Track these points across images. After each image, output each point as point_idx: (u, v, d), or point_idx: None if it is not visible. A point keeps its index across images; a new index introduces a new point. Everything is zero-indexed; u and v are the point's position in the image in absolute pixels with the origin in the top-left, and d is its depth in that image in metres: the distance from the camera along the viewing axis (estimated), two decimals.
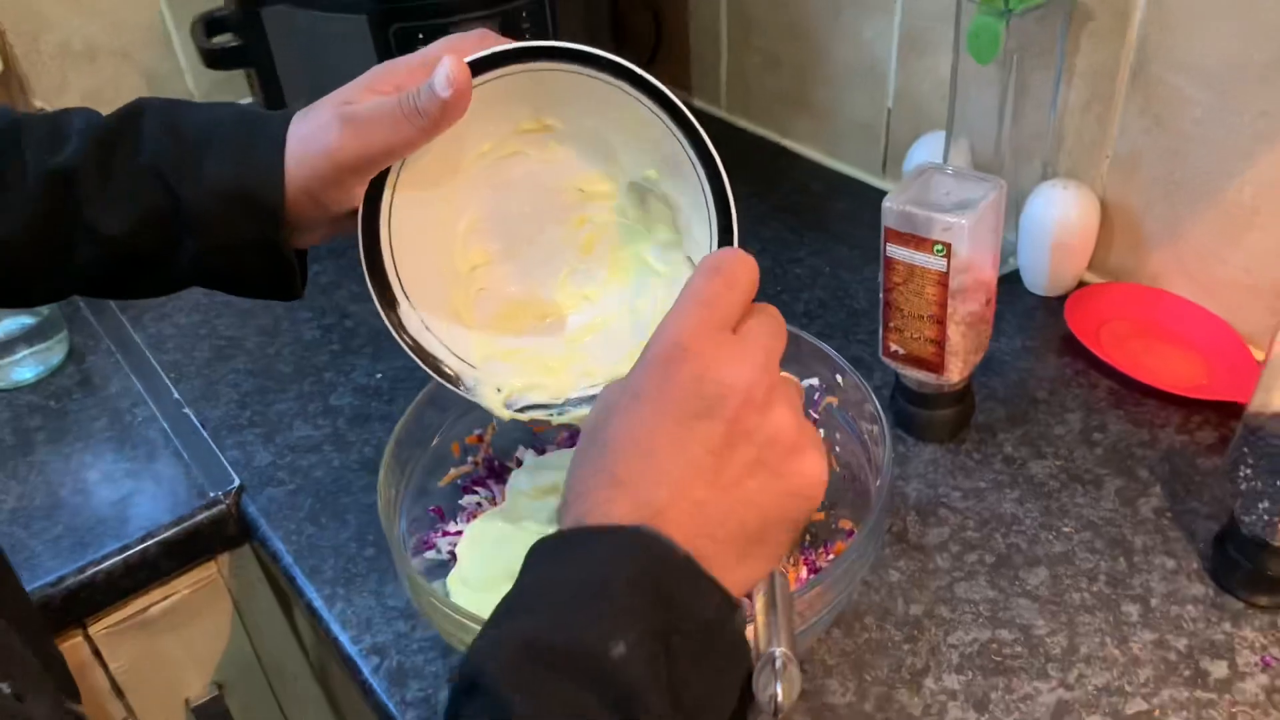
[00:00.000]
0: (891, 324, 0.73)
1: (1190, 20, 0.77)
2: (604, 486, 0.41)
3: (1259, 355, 0.80)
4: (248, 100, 1.20)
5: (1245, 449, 0.62)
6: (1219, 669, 0.61)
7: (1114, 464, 0.75)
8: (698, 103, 1.24)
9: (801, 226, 1.03)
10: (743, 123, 1.19)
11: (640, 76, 0.54)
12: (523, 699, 0.36)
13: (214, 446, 0.83)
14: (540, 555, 0.41)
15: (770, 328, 0.45)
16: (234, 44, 1.03)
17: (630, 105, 0.55)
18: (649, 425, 0.42)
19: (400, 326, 0.58)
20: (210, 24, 1.06)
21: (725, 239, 0.58)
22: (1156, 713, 0.59)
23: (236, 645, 0.87)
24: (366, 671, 0.66)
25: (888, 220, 0.69)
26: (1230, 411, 0.77)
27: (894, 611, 0.66)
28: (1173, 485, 0.73)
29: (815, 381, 0.68)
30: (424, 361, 0.59)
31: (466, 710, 0.38)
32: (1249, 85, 0.75)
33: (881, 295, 0.72)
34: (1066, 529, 0.70)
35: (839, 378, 0.66)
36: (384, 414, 0.85)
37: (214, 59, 1.04)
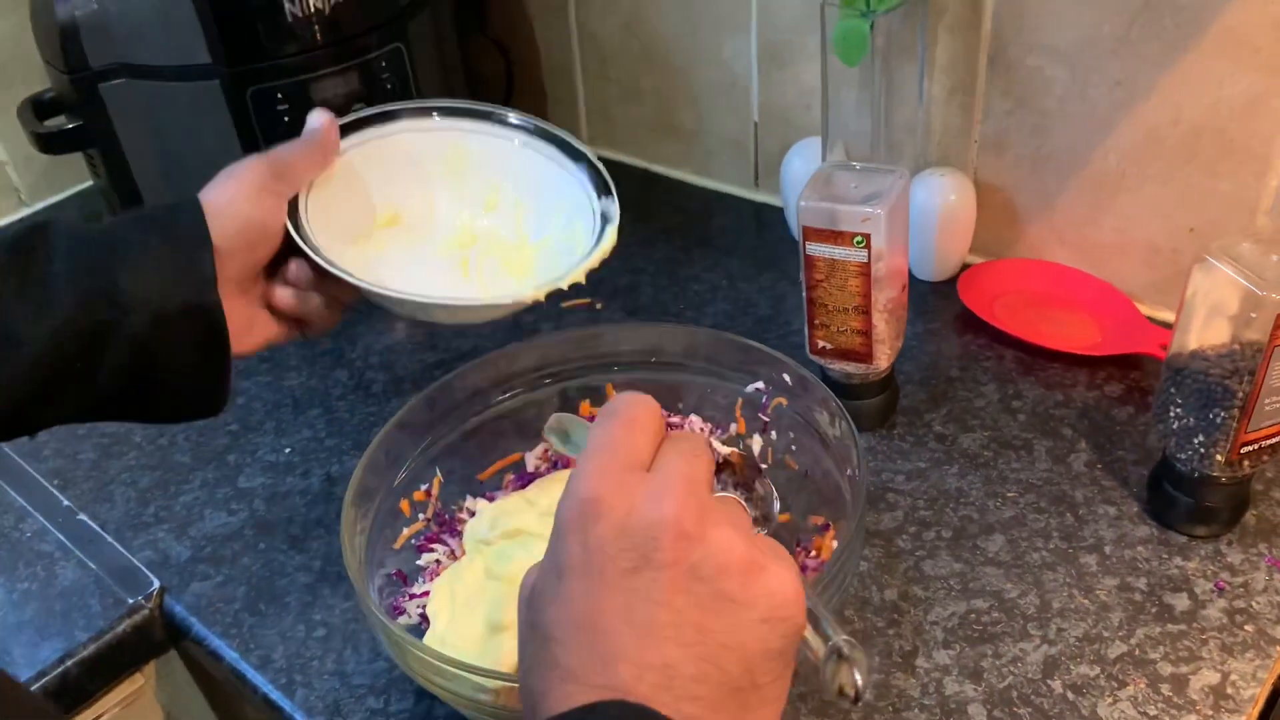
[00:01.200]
0: (817, 321, 0.74)
1: (1040, 3, 0.82)
2: (558, 682, 0.36)
3: (1144, 310, 0.85)
4: (88, 183, 1.13)
5: (1172, 389, 0.65)
6: (1181, 601, 0.64)
7: (1038, 427, 0.78)
8: None
9: (688, 245, 1.04)
10: (607, 153, 1.20)
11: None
12: None
13: (121, 549, 0.77)
14: None
15: (684, 451, 0.40)
16: (70, 125, 0.97)
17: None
18: (584, 599, 0.37)
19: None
20: (39, 105, 1.00)
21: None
22: (1137, 651, 0.62)
23: None
24: None
25: (805, 219, 0.70)
26: (1129, 363, 0.82)
27: (871, 599, 0.67)
28: (1096, 438, 0.76)
29: (761, 385, 0.69)
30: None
31: None
32: (1101, 58, 0.80)
33: (805, 294, 0.74)
34: (1010, 494, 0.73)
35: (786, 376, 0.67)
36: (301, 488, 0.81)
37: (49, 143, 0.98)
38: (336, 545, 0.74)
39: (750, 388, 0.69)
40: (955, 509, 0.72)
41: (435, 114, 0.72)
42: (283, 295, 0.62)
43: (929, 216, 0.90)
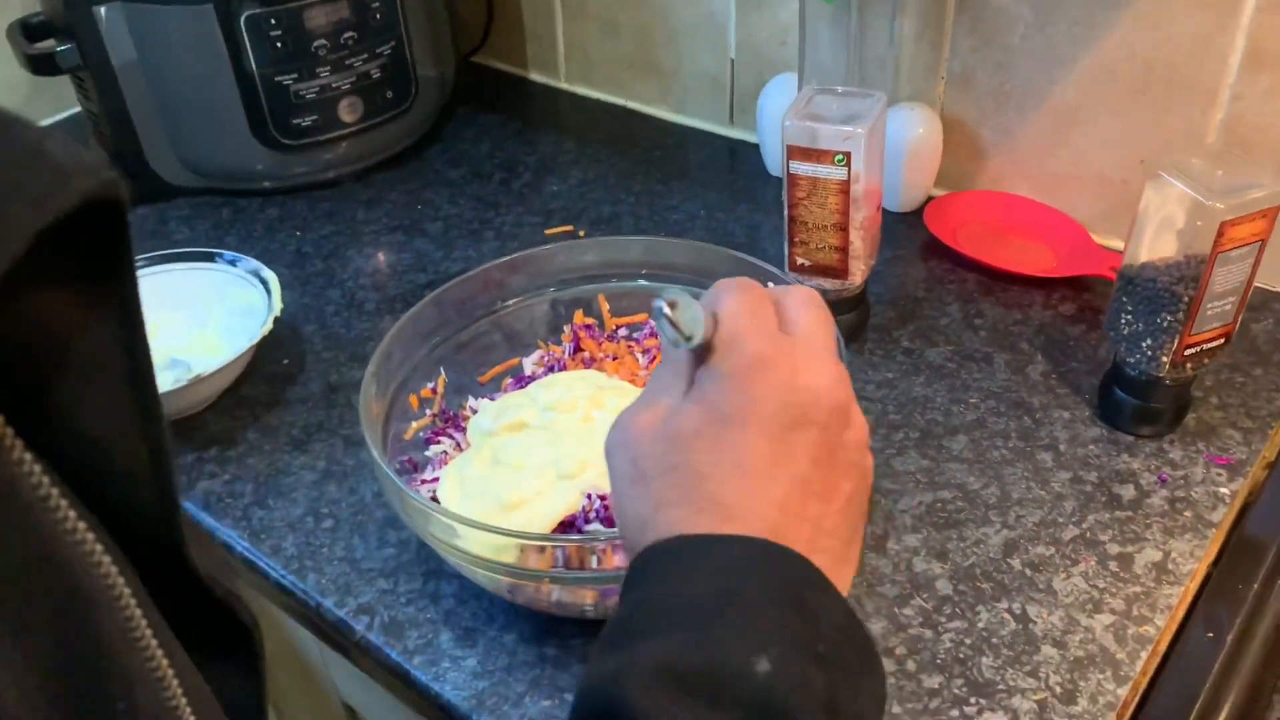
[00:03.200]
0: (797, 238, 0.79)
1: None
2: (705, 511, 0.39)
3: (1096, 238, 0.91)
4: (74, 109, 1.14)
5: (1124, 298, 0.71)
6: (1128, 491, 0.71)
7: (997, 342, 0.84)
8: (535, 76, 1.27)
9: (666, 178, 1.08)
10: (584, 90, 1.23)
11: None
12: None
13: None
14: (651, 566, 0.39)
15: (818, 315, 0.43)
16: (61, 48, 0.99)
17: None
18: (746, 447, 0.39)
19: None
20: (29, 28, 1.01)
21: None
22: (1088, 534, 0.68)
23: None
24: (360, 630, 0.66)
25: (789, 137, 0.75)
26: (1082, 285, 0.88)
27: None
28: (1051, 352, 0.82)
29: None
30: None
31: None
32: None
33: (786, 212, 0.78)
34: (973, 400, 0.79)
35: (770, 285, 0.71)
36: (302, 395, 0.84)
37: (41, 64, 0.99)
38: (340, 447, 0.78)
39: None
40: (922, 413, 0.78)
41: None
42: None
43: (898, 149, 0.95)
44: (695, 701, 0.33)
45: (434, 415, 0.72)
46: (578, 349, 0.75)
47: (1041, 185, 0.94)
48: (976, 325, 0.86)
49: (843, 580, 0.41)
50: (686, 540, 0.38)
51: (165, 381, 0.82)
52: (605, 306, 0.77)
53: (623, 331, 0.78)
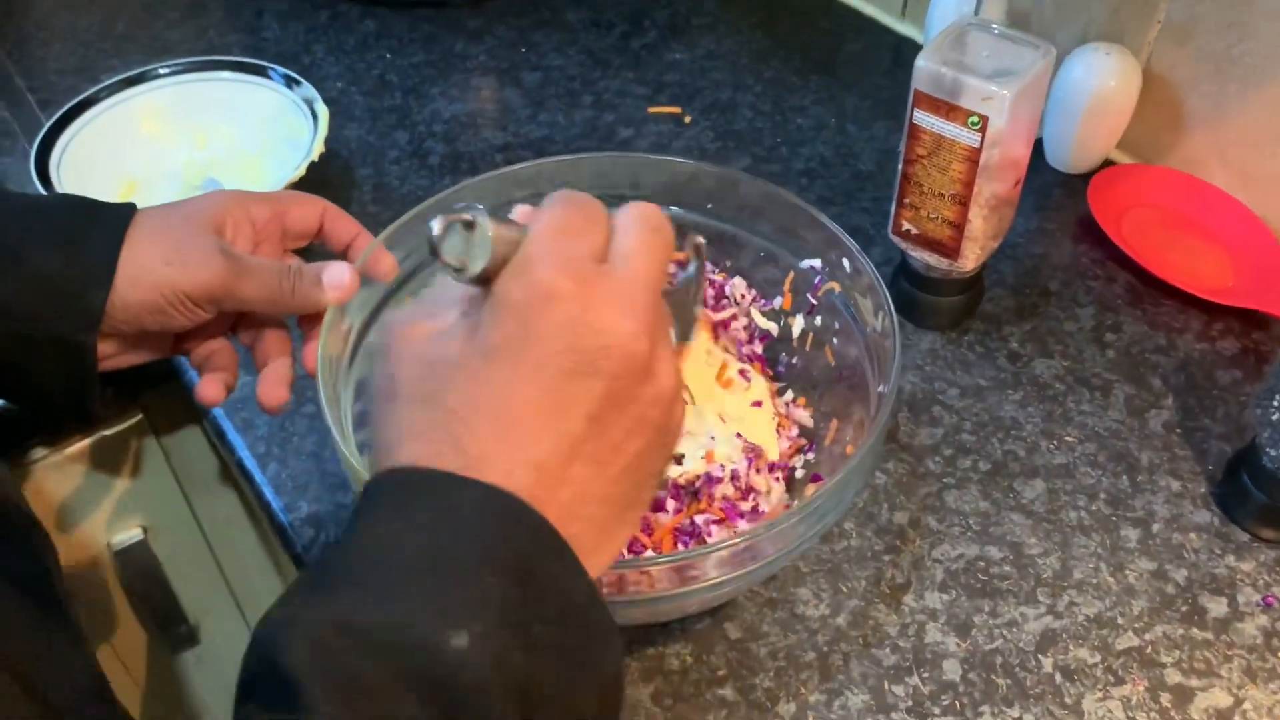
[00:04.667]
0: (907, 199, 0.65)
1: None
2: (448, 456, 0.33)
3: None
4: None
5: None
6: (1218, 606, 0.57)
7: (1125, 369, 0.69)
8: None
9: (806, 69, 0.93)
10: None
11: None
12: (327, 695, 0.29)
13: None
14: (379, 499, 0.34)
15: (648, 244, 0.36)
16: None
17: None
18: (507, 387, 0.34)
19: None
20: None
21: None
22: (1148, 649, 0.56)
23: (163, 487, 0.81)
24: (299, 545, 0.60)
25: (919, 82, 0.60)
26: (1255, 321, 0.71)
27: (877, 518, 0.61)
28: (1186, 398, 0.67)
29: (817, 263, 0.61)
30: None
31: (258, 698, 0.31)
32: None
33: (900, 166, 0.64)
34: (1069, 438, 0.65)
35: (846, 262, 0.59)
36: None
37: None
38: None
39: (806, 263, 0.61)
40: (1003, 441, 0.65)
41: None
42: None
43: (1079, 97, 0.77)
44: (365, 665, 0.30)
45: None
46: None
47: (1245, 181, 0.76)
48: (1107, 341, 0.71)
49: (606, 549, 0.36)
50: (422, 475, 0.33)
51: None
52: None
53: (672, 267, 0.66)
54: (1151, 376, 0.69)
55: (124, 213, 0.51)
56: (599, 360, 0.34)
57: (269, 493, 0.62)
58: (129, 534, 0.79)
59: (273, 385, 0.53)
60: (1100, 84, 0.77)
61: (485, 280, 0.35)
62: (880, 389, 0.54)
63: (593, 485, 0.35)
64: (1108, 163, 0.82)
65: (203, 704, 0.92)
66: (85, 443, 0.73)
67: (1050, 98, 0.80)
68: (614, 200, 0.64)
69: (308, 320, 0.55)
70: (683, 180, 0.63)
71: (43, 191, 0.71)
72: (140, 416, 0.75)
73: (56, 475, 0.73)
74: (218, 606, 0.89)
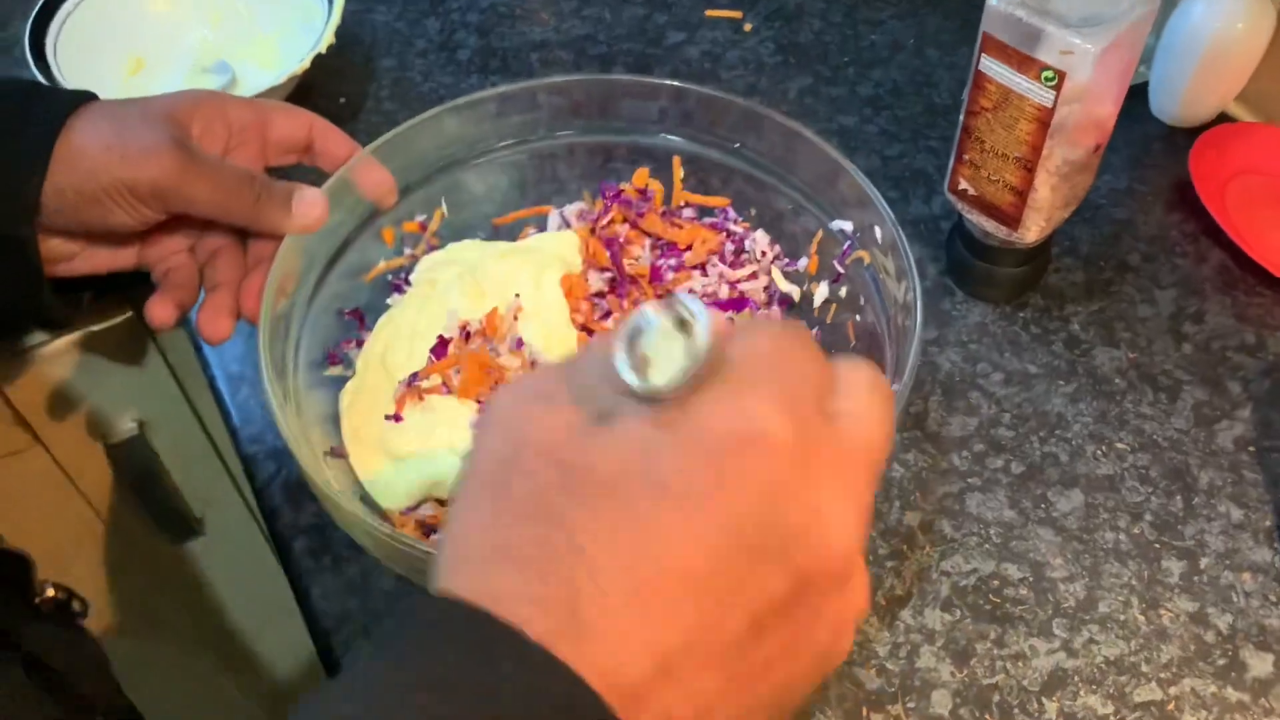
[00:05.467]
0: (966, 155, 0.57)
1: None
2: (548, 606, 0.24)
3: None
4: None
5: None
6: (1261, 664, 0.50)
7: (1201, 368, 0.60)
8: None
9: None
10: None
11: None
12: None
13: None
14: (433, 633, 0.24)
15: (881, 413, 0.28)
16: None
17: None
18: (668, 542, 0.24)
19: None
20: None
21: None
22: (1171, 706, 0.49)
23: (158, 381, 0.78)
24: (260, 479, 0.56)
25: (989, 23, 0.51)
26: None
27: (885, 516, 0.55)
28: (1267, 412, 0.59)
29: (849, 227, 0.53)
30: None
31: None
32: None
33: (961, 117, 0.56)
34: (1121, 445, 0.57)
35: (878, 231, 0.51)
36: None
37: None
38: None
39: (836, 225, 0.54)
40: (1043, 440, 0.57)
41: None
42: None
43: (1196, 40, 0.66)
44: None
45: (415, 255, 0.58)
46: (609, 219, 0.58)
47: None
48: (1185, 333, 0.62)
49: None
50: (495, 629, 0.23)
51: (200, 85, 0.71)
52: (679, 172, 0.59)
53: (689, 213, 0.59)
54: (1230, 380, 0.60)
55: (70, 98, 0.47)
56: (794, 548, 0.25)
57: (236, 416, 0.59)
58: (125, 427, 0.77)
59: (215, 313, 0.49)
60: (1224, 26, 0.66)
61: (664, 400, 0.26)
62: (895, 386, 0.47)
63: (717, 707, 0.25)
64: (1223, 117, 0.71)
65: (210, 592, 0.92)
66: (75, 336, 0.70)
67: (1165, 35, 0.69)
68: (639, 130, 0.58)
69: (258, 247, 0.50)
70: (714, 111, 0.56)
71: (35, 70, 0.66)
72: (130, 314, 0.72)
73: (48, 370, 0.71)
74: (220, 497, 0.87)
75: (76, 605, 0.55)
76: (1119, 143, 0.70)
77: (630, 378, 0.25)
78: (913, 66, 0.76)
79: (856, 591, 0.27)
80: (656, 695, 0.24)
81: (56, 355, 0.71)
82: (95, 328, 0.71)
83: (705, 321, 0.25)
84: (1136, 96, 0.72)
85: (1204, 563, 0.53)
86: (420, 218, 0.57)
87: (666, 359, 0.25)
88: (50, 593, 0.54)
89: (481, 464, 0.26)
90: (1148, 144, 0.71)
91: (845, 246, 0.53)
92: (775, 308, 0.57)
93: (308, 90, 0.72)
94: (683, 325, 0.25)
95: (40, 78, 0.66)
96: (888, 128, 0.72)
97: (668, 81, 0.56)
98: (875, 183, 0.51)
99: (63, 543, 0.79)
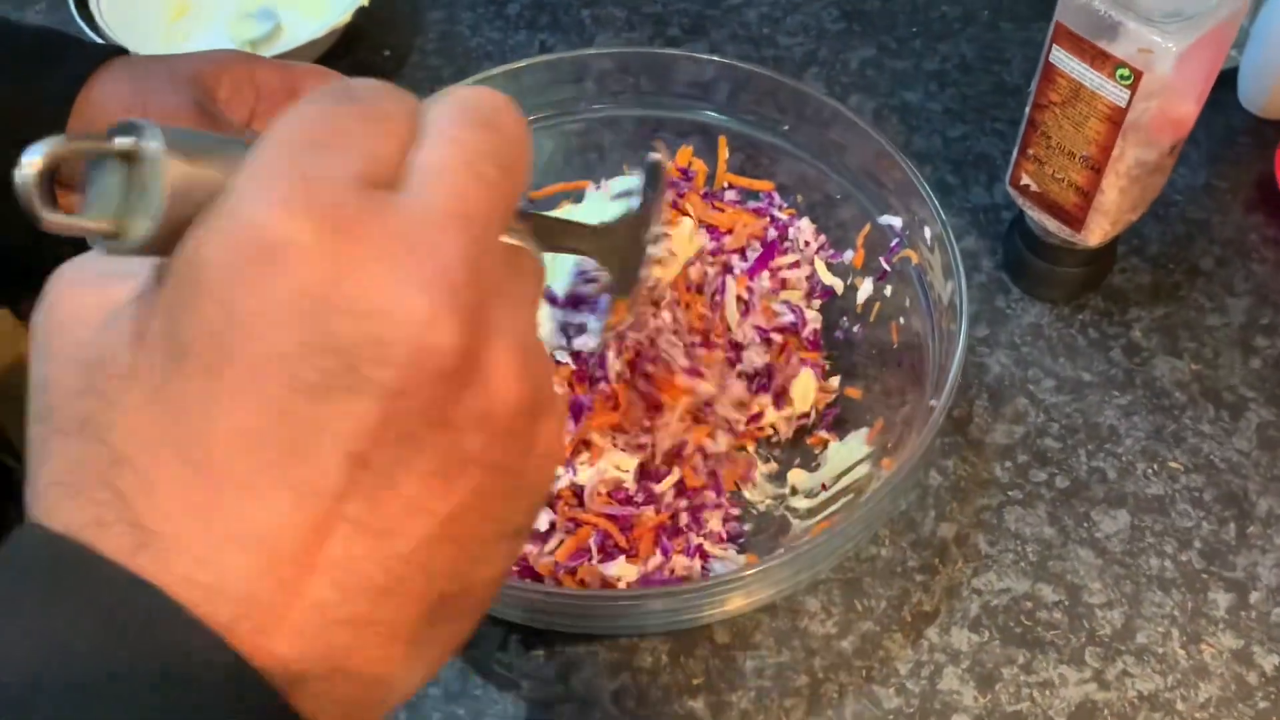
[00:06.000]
0: (1030, 150, 0.53)
1: None
2: (110, 523, 0.20)
3: None
4: None
5: None
6: None
7: (1270, 386, 0.57)
8: None
9: None
10: None
11: None
12: None
13: None
14: (12, 565, 0.21)
15: (474, 146, 0.22)
16: None
17: None
18: (207, 414, 0.20)
19: None
20: None
21: None
22: None
23: None
24: None
25: (1063, 12, 0.47)
26: None
27: (918, 526, 0.53)
28: None
29: (898, 224, 0.50)
30: None
31: None
32: None
33: (1028, 109, 0.52)
34: (1174, 464, 0.54)
35: (927, 230, 0.48)
36: None
37: None
38: None
39: (884, 220, 0.51)
40: (1091, 454, 0.55)
41: None
42: None
43: None
44: None
45: None
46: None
47: None
48: (1256, 347, 0.58)
49: (402, 679, 0.22)
50: (70, 552, 0.20)
51: (243, 32, 0.69)
52: (725, 152, 0.56)
53: (732, 195, 0.56)
54: None
55: (98, 52, 0.47)
56: (365, 363, 0.20)
57: None
58: None
59: None
60: None
61: (163, 251, 0.21)
62: (931, 401, 0.45)
63: (367, 569, 0.21)
64: None
65: None
66: None
67: (1260, 18, 0.64)
68: (679, 106, 0.55)
69: None
70: (763, 89, 0.53)
71: (76, 15, 0.65)
72: None
73: None
74: None
75: None
76: (1199, 135, 0.66)
77: (101, 248, 0.21)
78: (984, 40, 0.72)
79: (498, 377, 0.21)
80: (277, 588, 0.20)
81: None
82: None
83: (155, 142, 0.20)
84: (1224, 84, 0.68)
85: (1254, 597, 0.50)
86: None
87: (141, 201, 0.21)
88: None
89: (34, 366, 0.23)
90: (1231, 137, 0.67)
91: (893, 244, 0.51)
92: (816, 299, 0.54)
93: (354, 41, 0.71)
94: (130, 158, 0.21)
95: (80, 21, 0.65)
96: (952, 106, 0.68)
97: (714, 58, 0.53)
98: (935, 166, 0.48)
99: None
